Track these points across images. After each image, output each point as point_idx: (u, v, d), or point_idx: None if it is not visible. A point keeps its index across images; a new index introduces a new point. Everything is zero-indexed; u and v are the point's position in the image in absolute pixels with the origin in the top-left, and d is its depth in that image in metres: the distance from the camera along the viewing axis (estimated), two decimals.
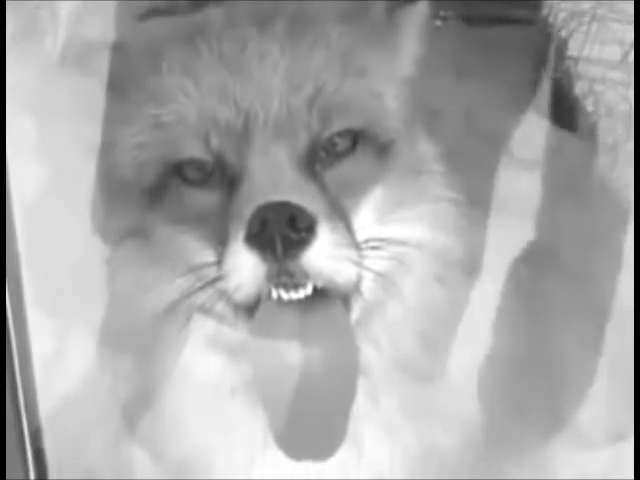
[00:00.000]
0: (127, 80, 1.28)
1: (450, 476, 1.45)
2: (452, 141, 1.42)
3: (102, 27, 1.25)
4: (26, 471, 1.19)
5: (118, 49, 1.28)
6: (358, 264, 1.22)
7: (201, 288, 1.26)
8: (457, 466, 1.45)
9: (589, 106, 1.51)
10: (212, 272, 1.24)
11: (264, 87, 1.24)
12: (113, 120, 1.29)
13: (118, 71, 1.28)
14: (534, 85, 1.57)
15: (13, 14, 1.18)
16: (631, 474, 1.37)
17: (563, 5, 1.51)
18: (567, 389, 1.51)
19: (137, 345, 1.34)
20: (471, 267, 1.38)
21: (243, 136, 1.23)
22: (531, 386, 1.47)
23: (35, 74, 1.25)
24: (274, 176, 1.21)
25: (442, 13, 1.46)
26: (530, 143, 1.50)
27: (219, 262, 1.22)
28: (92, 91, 1.27)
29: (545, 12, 1.52)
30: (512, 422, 1.46)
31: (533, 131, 1.51)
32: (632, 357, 1.42)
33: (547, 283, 1.49)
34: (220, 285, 1.22)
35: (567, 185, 1.49)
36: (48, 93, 1.25)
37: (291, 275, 1.18)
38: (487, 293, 1.42)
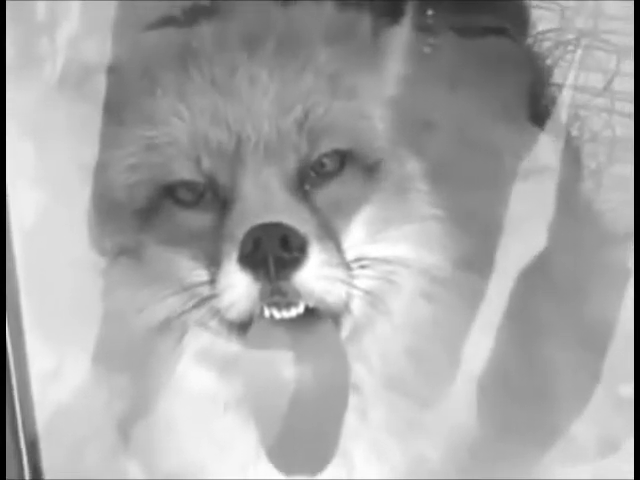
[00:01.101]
0: (120, 102, 1.30)
1: None
2: (444, 154, 1.43)
3: (98, 51, 1.26)
4: None
5: (111, 72, 1.30)
6: (348, 283, 1.24)
7: (195, 306, 1.27)
8: None
9: (574, 131, 1.54)
10: (205, 291, 1.25)
11: (255, 110, 1.26)
12: (106, 141, 1.30)
13: (112, 93, 1.29)
14: (527, 96, 1.60)
15: (12, 41, 1.20)
16: None
17: (548, 35, 1.54)
18: (558, 404, 1.51)
19: (131, 362, 1.35)
20: (459, 283, 1.39)
21: (234, 158, 1.25)
22: (521, 402, 1.48)
23: (34, 99, 1.26)
24: (265, 197, 1.23)
25: (431, 41, 1.48)
26: (524, 155, 1.52)
27: (212, 281, 1.23)
28: (89, 114, 1.28)
29: (530, 41, 1.55)
30: (502, 439, 1.47)
31: (526, 143, 1.53)
32: (621, 370, 1.44)
33: (538, 298, 1.50)
34: (213, 303, 1.24)
35: (558, 200, 1.51)
36: (47, 117, 1.27)
37: (284, 294, 1.20)
38: (477, 309, 1.43)
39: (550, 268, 1.51)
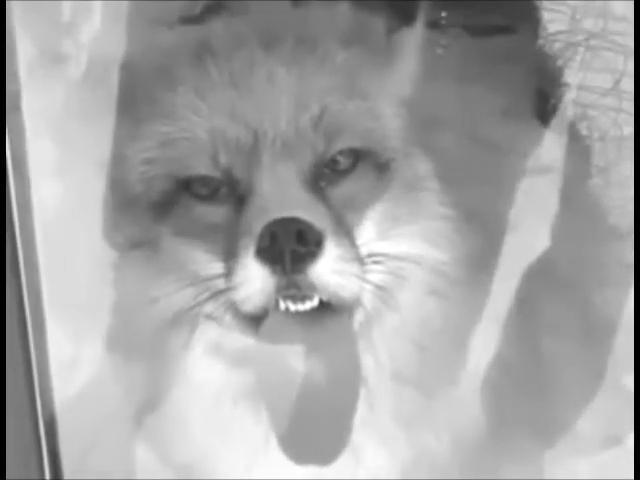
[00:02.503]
0: (138, 97, 1.32)
1: None
2: (453, 150, 1.45)
3: (119, 49, 1.28)
4: (41, 469, 1.23)
5: (130, 67, 1.32)
6: (362, 278, 1.26)
7: (209, 299, 1.29)
8: (450, 474, 1.47)
9: (583, 130, 1.56)
10: (220, 283, 1.27)
11: (272, 107, 1.28)
12: (123, 136, 1.32)
13: (130, 88, 1.31)
14: (534, 95, 1.61)
15: (37, 41, 1.22)
16: (625, 477, 1.41)
17: (558, 36, 1.56)
18: (562, 398, 1.53)
19: (145, 352, 1.37)
20: (466, 279, 1.41)
21: (251, 154, 1.27)
22: (525, 396, 1.50)
23: (58, 97, 1.28)
24: (282, 193, 1.25)
25: (443, 41, 1.50)
26: (530, 153, 1.53)
27: (227, 274, 1.25)
28: (109, 110, 1.30)
29: (541, 42, 1.57)
30: (506, 432, 1.49)
31: (534, 141, 1.54)
32: (622, 365, 1.46)
33: (542, 294, 1.52)
34: (228, 296, 1.26)
35: (565, 197, 1.52)
36: (69, 114, 1.29)
37: (299, 288, 1.22)
38: (483, 304, 1.45)
39: (555, 264, 1.52)
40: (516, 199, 1.48)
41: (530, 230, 1.50)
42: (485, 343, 1.46)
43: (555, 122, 1.55)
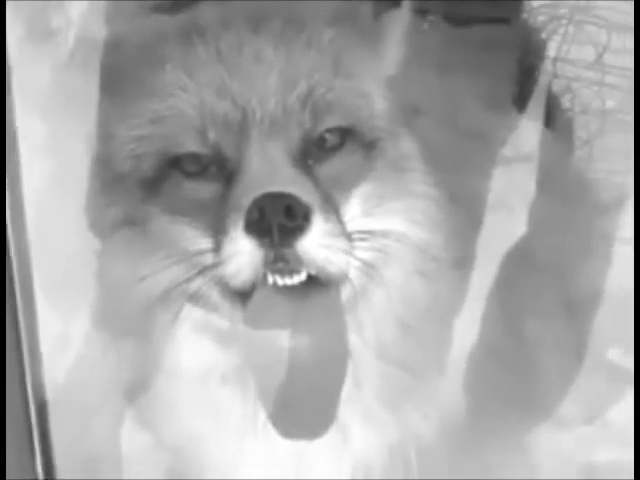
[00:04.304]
0: (126, 75, 1.33)
1: (429, 461, 1.49)
2: (434, 137, 1.47)
3: (107, 26, 1.29)
4: (32, 451, 1.24)
5: (117, 45, 1.33)
6: (349, 253, 1.28)
7: (198, 274, 1.30)
8: (436, 452, 1.49)
9: (566, 103, 1.59)
10: (208, 259, 1.28)
11: (260, 85, 1.29)
12: (112, 113, 1.33)
13: (117, 67, 1.33)
14: (515, 82, 1.64)
15: (25, 18, 1.23)
16: (603, 453, 1.43)
17: (542, 10, 1.59)
18: (544, 377, 1.56)
19: (134, 330, 1.39)
20: (451, 260, 1.44)
21: (240, 131, 1.28)
22: (508, 375, 1.52)
23: (46, 74, 1.29)
24: (270, 169, 1.27)
25: (430, 17, 1.52)
26: (510, 139, 1.56)
27: (216, 249, 1.26)
28: (96, 88, 1.31)
29: (525, 15, 1.60)
30: (490, 409, 1.51)
31: (512, 127, 1.57)
32: (609, 335, 1.48)
33: (524, 276, 1.54)
34: (217, 272, 1.27)
35: (544, 180, 1.55)
36: (57, 92, 1.29)
37: (287, 262, 1.23)
38: (467, 285, 1.48)
39: (536, 245, 1.55)
40: (497, 182, 1.52)
41: (512, 212, 1.54)
42: (469, 324, 1.48)
43: (532, 108, 1.58)
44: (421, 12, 1.65)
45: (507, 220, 1.53)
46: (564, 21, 1.57)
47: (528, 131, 1.58)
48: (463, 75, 1.64)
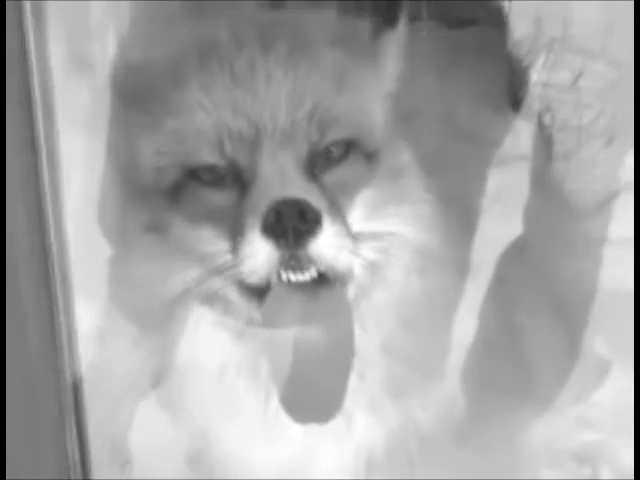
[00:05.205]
0: (151, 95, 1.41)
1: (428, 447, 1.57)
2: (432, 139, 1.53)
3: (138, 52, 1.40)
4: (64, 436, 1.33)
5: (144, 68, 1.42)
6: (354, 253, 1.37)
7: (217, 273, 1.39)
8: (435, 439, 1.57)
9: (547, 120, 1.67)
10: (226, 259, 1.36)
11: (271, 103, 1.37)
12: (139, 129, 1.41)
13: (143, 88, 1.41)
14: (507, 86, 1.71)
15: (67, 43, 1.32)
16: (592, 434, 1.52)
17: (524, 42, 1.69)
18: (534, 368, 1.63)
19: (158, 325, 1.47)
20: (447, 259, 1.51)
21: (253, 144, 1.36)
22: (502, 366, 1.60)
23: (85, 96, 1.39)
24: (282, 178, 1.35)
25: (426, 22, 1.59)
26: (503, 141, 1.63)
27: (234, 250, 1.35)
28: (126, 108, 1.41)
29: (509, 45, 1.70)
30: (486, 399, 1.58)
31: (508, 128, 1.64)
32: (595, 330, 1.56)
33: (515, 273, 1.61)
34: (234, 271, 1.35)
35: (533, 182, 1.62)
36: (94, 111, 1.39)
37: (299, 260, 1.32)
38: (463, 284, 1.56)
39: (528, 245, 1.63)
40: (491, 184, 1.59)
41: (503, 214, 1.61)
42: (467, 319, 1.56)
43: (524, 112, 1.67)
44: (417, 18, 1.71)
45: (503, 220, 1.60)
46: (544, 51, 1.67)
47: (524, 131, 1.66)
48: (460, 76, 1.70)
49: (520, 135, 1.66)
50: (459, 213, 1.56)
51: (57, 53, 1.18)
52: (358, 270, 1.42)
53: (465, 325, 1.56)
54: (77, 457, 1.32)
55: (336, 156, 1.41)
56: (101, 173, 1.40)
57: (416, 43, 1.50)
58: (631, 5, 1.56)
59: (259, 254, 1.32)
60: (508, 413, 1.62)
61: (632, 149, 1.59)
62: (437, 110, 1.62)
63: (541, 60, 1.63)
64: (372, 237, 1.43)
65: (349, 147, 1.42)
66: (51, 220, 1.21)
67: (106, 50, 1.35)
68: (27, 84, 1.11)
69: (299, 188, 1.34)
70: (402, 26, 1.50)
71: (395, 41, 1.49)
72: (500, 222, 1.61)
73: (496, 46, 1.74)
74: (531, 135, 1.66)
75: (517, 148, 1.65)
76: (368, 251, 1.43)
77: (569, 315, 1.67)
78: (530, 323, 1.63)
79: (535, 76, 1.66)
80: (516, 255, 1.61)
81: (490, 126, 1.65)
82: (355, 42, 1.46)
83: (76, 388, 1.29)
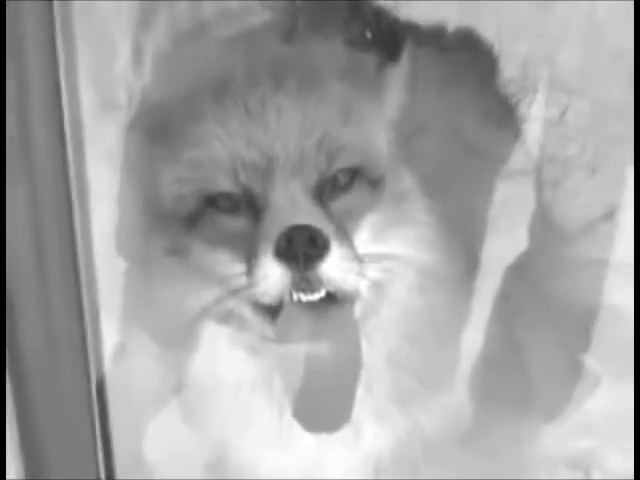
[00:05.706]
0: (172, 127, 1.47)
1: (434, 455, 1.62)
2: (436, 157, 1.59)
3: (159, 93, 1.49)
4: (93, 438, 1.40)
5: (165, 104, 1.50)
6: (360, 274, 1.43)
7: (233, 294, 1.46)
8: (440, 447, 1.62)
9: (535, 152, 1.75)
10: (241, 281, 1.44)
11: (282, 135, 1.43)
12: (159, 160, 1.49)
13: (163, 122, 1.49)
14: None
15: (96, 86, 1.41)
16: (582, 439, 1.59)
17: (513, 82, 1.77)
18: (533, 379, 1.69)
19: (178, 343, 1.55)
20: (449, 277, 1.57)
21: (266, 173, 1.42)
22: (504, 378, 1.66)
23: (111, 134, 1.48)
24: (292, 204, 1.41)
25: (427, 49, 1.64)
26: (508, 157, 1.68)
27: (248, 273, 1.42)
28: (149, 142, 1.50)
29: (499, 84, 1.78)
30: (491, 409, 1.64)
31: (511, 145, 1.70)
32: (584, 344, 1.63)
33: (516, 290, 1.67)
34: (249, 291, 1.43)
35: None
36: (120, 146, 1.48)
37: (309, 282, 1.38)
38: (467, 301, 1.62)
39: (530, 262, 1.69)
40: (495, 201, 1.63)
41: (506, 232, 1.66)
42: (472, 332, 1.61)
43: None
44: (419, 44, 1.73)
45: (506, 236, 1.65)
46: (531, 89, 1.75)
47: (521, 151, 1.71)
48: (463, 92, 1.74)
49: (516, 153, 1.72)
50: (462, 231, 1.60)
51: (87, 97, 1.27)
52: (364, 290, 1.48)
53: (470, 338, 1.61)
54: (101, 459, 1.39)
55: (343, 184, 1.47)
56: (126, 203, 1.47)
57: (420, 63, 1.55)
58: (613, 44, 1.66)
59: (272, 276, 1.39)
60: (511, 421, 1.68)
61: (614, 181, 1.68)
62: (442, 124, 1.66)
63: (528, 99, 1.71)
64: (377, 258, 1.49)
65: (355, 175, 1.48)
66: (80, 245, 1.29)
67: (131, 93, 1.44)
68: (61, 124, 1.21)
69: (309, 214, 1.40)
70: (405, 59, 1.55)
71: (398, 74, 1.55)
72: (502, 239, 1.65)
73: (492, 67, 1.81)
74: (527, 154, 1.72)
75: (517, 163, 1.70)
76: (374, 271, 1.49)
77: (568, 330, 1.74)
78: (529, 336, 1.69)
79: (524, 111, 1.74)
80: (519, 271, 1.66)
81: (495, 140, 1.70)
82: (361, 75, 1.52)
83: (102, 403, 1.36)
